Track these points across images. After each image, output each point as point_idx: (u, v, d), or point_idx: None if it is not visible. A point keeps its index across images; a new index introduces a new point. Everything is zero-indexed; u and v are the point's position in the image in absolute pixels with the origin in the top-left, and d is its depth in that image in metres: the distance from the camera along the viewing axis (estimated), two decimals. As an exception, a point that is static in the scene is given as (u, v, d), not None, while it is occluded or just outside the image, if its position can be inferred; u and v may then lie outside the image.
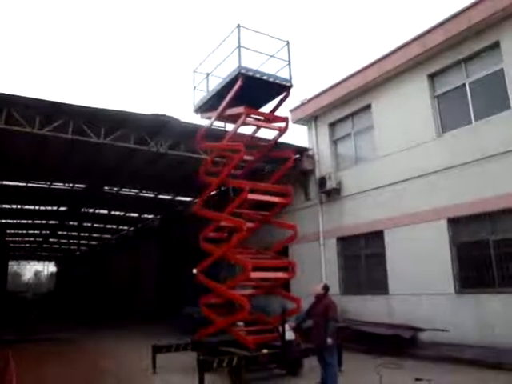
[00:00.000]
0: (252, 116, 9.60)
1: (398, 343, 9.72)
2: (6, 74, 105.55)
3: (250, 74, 8.98)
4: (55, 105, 9.87)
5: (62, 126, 10.22)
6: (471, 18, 9.86)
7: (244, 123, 9.34)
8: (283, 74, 9.64)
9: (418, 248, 10.71)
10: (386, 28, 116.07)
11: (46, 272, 77.52)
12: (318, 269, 13.61)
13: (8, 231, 32.30)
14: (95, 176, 16.30)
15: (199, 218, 10.23)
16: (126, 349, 12.09)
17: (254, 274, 8.35)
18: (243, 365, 7.26)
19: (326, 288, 6.71)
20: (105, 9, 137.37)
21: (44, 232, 33.45)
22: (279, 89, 9.67)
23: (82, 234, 34.81)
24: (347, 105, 13.59)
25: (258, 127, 9.99)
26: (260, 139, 11.03)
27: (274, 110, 10.17)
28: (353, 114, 13.60)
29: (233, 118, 9.68)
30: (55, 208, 23.58)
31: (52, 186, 18.32)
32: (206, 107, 10.33)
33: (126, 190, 19.89)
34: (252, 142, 10.39)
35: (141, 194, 20.68)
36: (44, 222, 28.50)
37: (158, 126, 11.36)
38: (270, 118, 9.95)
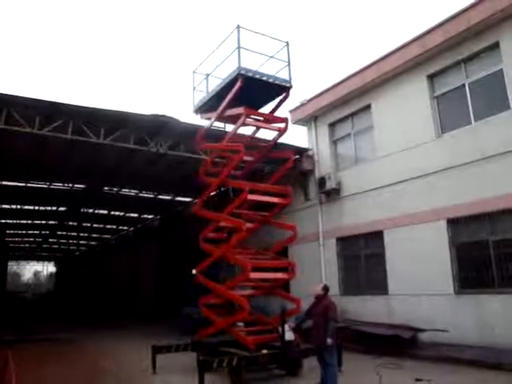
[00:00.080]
0: (252, 117, 9.61)
1: (398, 343, 9.73)
2: (6, 74, 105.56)
3: (250, 74, 8.98)
4: (55, 105, 9.86)
5: (62, 127, 10.22)
6: (470, 18, 9.86)
7: (244, 124, 9.34)
8: (283, 74, 9.66)
9: (417, 248, 10.72)
10: (385, 28, 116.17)
11: (45, 272, 77.52)
12: (317, 269, 13.62)
13: (7, 231, 32.29)
14: (95, 176, 16.29)
15: (199, 219, 10.23)
16: (125, 349, 12.09)
17: (254, 275, 8.35)
18: (243, 365, 7.26)
19: (325, 288, 6.72)
20: (105, 8, 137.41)
21: (43, 232, 33.43)
22: (279, 89, 9.68)
23: (82, 235, 34.80)
24: (347, 105, 13.60)
25: (258, 128, 10.00)
26: (260, 140, 11.04)
27: (274, 110, 10.18)
28: (352, 115, 13.60)
29: (232, 119, 9.68)
30: (55, 208, 23.57)
31: (52, 187, 18.32)
32: (205, 108, 10.34)
33: (125, 191, 19.88)
34: (252, 143, 10.40)
35: (140, 195, 20.67)
36: (43, 222, 28.48)
37: (158, 126, 11.36)
38: (270, 119, 9.96)
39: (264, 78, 9.24)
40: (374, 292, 11.93)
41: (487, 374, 7.69)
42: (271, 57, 9.77)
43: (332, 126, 14.38)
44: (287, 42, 9.86)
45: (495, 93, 9.78)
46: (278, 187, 9.70)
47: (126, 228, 32.26)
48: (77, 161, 14.35)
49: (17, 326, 16.67)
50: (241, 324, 9.09)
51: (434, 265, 10.27)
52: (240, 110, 9.05)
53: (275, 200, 9.43)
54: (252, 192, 8.93)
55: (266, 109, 10.25)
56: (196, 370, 7.18)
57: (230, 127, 10.40)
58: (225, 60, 9.51)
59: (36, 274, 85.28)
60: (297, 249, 14.04)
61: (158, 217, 26.73)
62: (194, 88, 10.77)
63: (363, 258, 12.67)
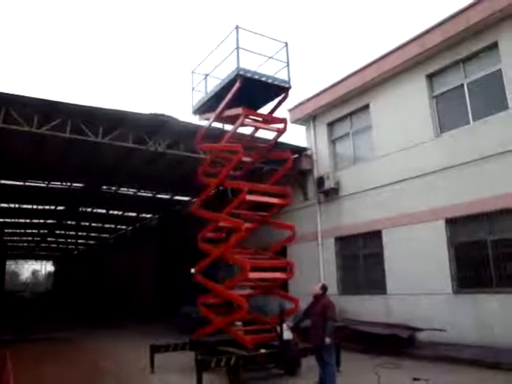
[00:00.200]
0: (250, 117, 9.58)
1: (396, 343, 9.74)
2: (4, 73, 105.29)
3: (249, 75, 8.95)
4: (53, 104, 9.84)
5: (60, 125, 10.19)
6: (469, 18, 9.87)
7: (242, 124, 9.32)
8: (282, 75, 9.63)
9: (415, 248, 10.74)
10: (384, 28, 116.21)
11: (43, 271, 77.47)
12: (316, 269, 13.63)
13: (6, 230, 32.23)
14: (93, 175, 16.26)
15: (198, 218, 10.23)
16: (124, 348, 12.08)
17: (252, 275, 8.35)
18: (241, 364, 7.27)
19: (324, 288, 6.72)
20: (104, 8, 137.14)
21: (42, 231, 33.36)
22: (278, 90, 9.65)
23: (80, 234, 34.79)
24: (346, 104, 13.60)
25: (257, 128, 9.98)
26: (258, 138, 11.02)
27: (273, 111, 10.16)
28: (351, 114, 13.61)
29: (231, 119, 9.66)
30: (53, 207, 23.51)
31: (50, 185, 18.26)
32: (204, 108, 10.31)
33: (124, 190, 19.83)
34: (250, 143, 10.39)
35: (139, 194, 20.64)
36: (42, 221, 28.43)
37: (157, 125, 11.34)
38: (269, 119, 9.94)
39: (263, 79, 9.21)
40: (372, 291, 11.95)
41: (486, 373, 7.70)
42: (270, 57, 9.74)
43: (331, 125, 14.38)
44: (286, 43, 9.83)
45: (494, 93, 9.79)
46: (278, 188, 9.69)
47: (124, 227, 32.21)
48: (75, 160, 14.32)
49: (15, 326, 16.60)
50: (239, 323, 9.10)
51: (433, 264, 10.28)
52: (239, 110, 9.02)
53: (274, 200, 9.43)
54: (251, 192, 8.93)
55: (265, 109, 10.24)
56: (194, 370, 7.18)
57: (228, 128, 10.38)
58: (224, 60, 9.48)
59: (34, 273, 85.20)
60: (295, 248, 14.04)
61: (157, 216, 26.71)
62: (193, 88, 10.75)
63: (362, 258, 12.68)
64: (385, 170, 11.92)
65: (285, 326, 7.59)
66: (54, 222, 28.25)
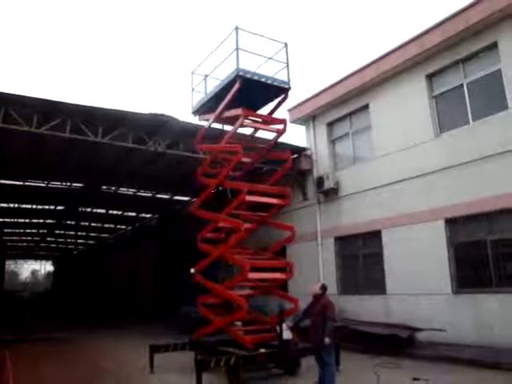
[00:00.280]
0: (250, 118, 9.58)
1: (396, 343, 9.75)
2: (4, 73, 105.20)
3: (248, 76, 8.95)
4: (53, 103, 9.84)
5: (60, 125, 10.19)
6: (469, 18, 9.87)
7: (242, 125, 9.31)
8: (281, 76, 9.63)
9: (415, 248, 10.74)
10: (384, 28, 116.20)
11: (43, 271, 77.50)
12: (315, 269, 13.63)
13: (5, 230, 32.21)
14: (93, 175, 16.26)
15: (197, 218, 10.23)
16: (124, 348, 12.08)
17: (252, 275, 8.35)
18: (241, 364, 7.27)
19: (323, 288, 6.72)
20: (104, 8, 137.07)
21: (41, 231, 33.35)
22: (277, 91, 9.65)
23: (80, 233, 34.75)
24: (345, 104, 13.60)
25: (256, 129, 9.98)
26: (258, 139, 11.02)
27: (272, 111, 10.16)
28: (351, 114, 13.61)
29: (231, 120, 9.65)
30: (53, 207, 23.50)
31: (50, 185, 18.25)
32: (204, 109, 10.30)
33: (123, 190, 19.82)
34: (250, 144, 10.38)
35: (139, 194, 20.63)
36: (41, 221, 28.41)
37: (157, 125, 11.34)
38: (268, 120, 9.94)
39: (262, 80, 9.20)
40: (371, 291, 11.95)
41: (485, 373, 7.70)
42: (270, 58, 9.74)
43: (330, 125, 14.38)
44: (286, 44, 9.83)
45: (493, 93, 9.80)
46: (277, 188, 9.69)
47: (124, 227, 32.20)
48: (75, 159, 14.32)
49: (14, 326, 16.59)
50: (239, 323, 9.10)
51: (432, 264, 10.29)
52: (238, 111, 9.02)
53: (274, 201, 9.43)
54: (250, 193, 8.93)
55: (264, 110, 10.24)
56: (194, 370, 7.17)
57: (228, 128, 10.37)
58: (223, 61, 9.48)
59: (34, 272, 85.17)
60: (295, 248, 14.04)
61: (157, 216, 26.70)
62: (193, 89, 10.75)
63: (361, 258, 12.68)
64: (384, 170, 11.93)
65: (284, 325, 7.59)
66: (54, 221, 28.24)
